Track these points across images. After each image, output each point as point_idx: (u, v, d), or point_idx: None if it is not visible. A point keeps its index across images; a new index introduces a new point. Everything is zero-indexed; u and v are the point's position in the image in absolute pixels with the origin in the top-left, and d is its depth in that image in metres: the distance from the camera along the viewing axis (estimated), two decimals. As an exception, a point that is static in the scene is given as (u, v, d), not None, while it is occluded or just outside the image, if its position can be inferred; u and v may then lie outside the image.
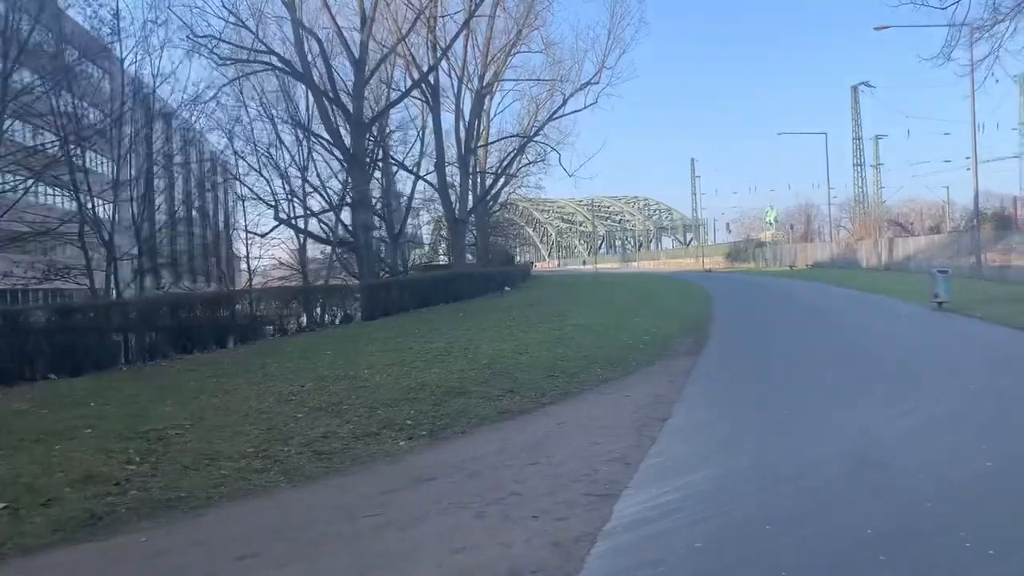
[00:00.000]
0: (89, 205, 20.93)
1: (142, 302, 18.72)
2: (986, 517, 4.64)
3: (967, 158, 40.39)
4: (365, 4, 30.06)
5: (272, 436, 7.73)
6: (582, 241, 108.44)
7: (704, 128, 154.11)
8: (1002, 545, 4.21)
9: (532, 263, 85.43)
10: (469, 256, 43.39)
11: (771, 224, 77.75)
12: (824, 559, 4.16)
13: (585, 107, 39.62)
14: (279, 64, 29.39)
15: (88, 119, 21.53)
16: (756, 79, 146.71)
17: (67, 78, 19.62)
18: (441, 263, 47.77)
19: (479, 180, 41.72)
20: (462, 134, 37.74)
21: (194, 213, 35.79)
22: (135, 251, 22.56)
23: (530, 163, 44.51)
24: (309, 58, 29.37)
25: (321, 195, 33.55)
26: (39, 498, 5.95)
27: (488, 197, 42.92)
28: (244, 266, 35.16)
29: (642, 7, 52.11)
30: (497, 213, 54.07)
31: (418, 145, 38.49)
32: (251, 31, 28.17)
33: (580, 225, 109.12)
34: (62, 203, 24.51)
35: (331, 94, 29.67)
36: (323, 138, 31.44)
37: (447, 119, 37.84)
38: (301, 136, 31.49)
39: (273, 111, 31.21)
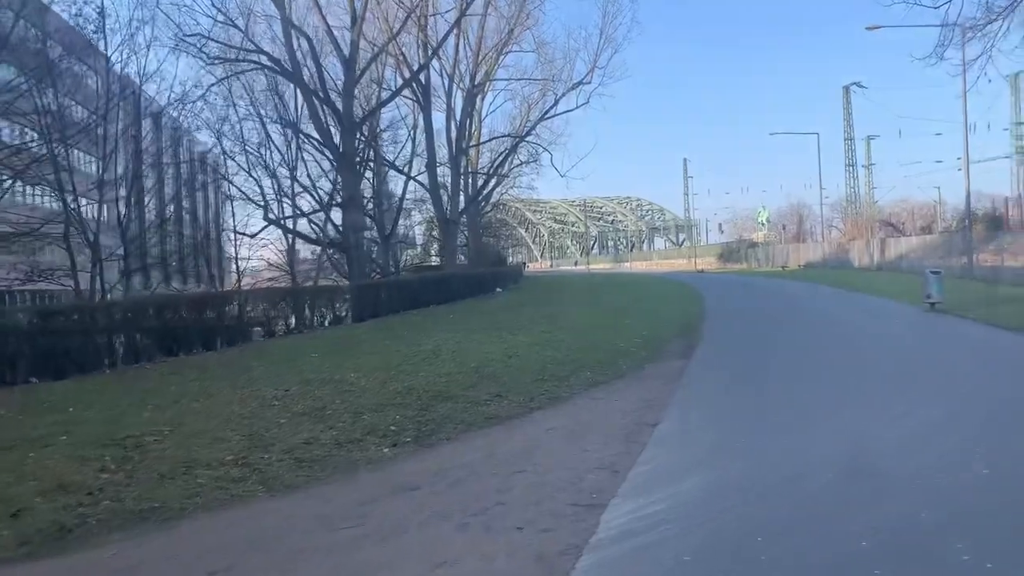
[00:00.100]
0: (74, 205, 20.65)
1: (126, 303, 18.46)
2: (983, 528, 4.50)
3: (959, 158, 40.48)
4: (356, 3, 29.88)
5: (253, 443, 7.54)
6: (574, 242, 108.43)
7: (696, 128, 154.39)
8: (1001, 558, 4.07)
9: (524, 264, 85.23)
10: (461, 257, 43.21)
11: (763, 224, 77.81)
12: (818, 573, 4.01)
13: (577, 107, 39.49)
14: (268, 63, 29.16)
15: (73, 117, 21.25)
16: (748, 79, 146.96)
17: (51, 75, 19.33)
18: (433, 264, 47.52)
19: (471, 180, 41.56)
20: (453, 134, 37.58)
21: (184, 214, 35.50)
22: (121, 251, 22.29)
23: (522, 163, 44.36)
24: (299, 57, 29.14)
25: (311, 195, 33.37)
26: (8, 508, 5.75)
27: (480, 197, 42.76)
28: (234, 267, 34.92)
29: (634, 7, 51.97)
30: (489, 214, 53.89)
31: (409, 145, 38.33)
32: (240, 30, 27.97)
33: (572, 226, 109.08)
34: (46, 203, 24.17)
35: (321, 93, 29.45)
36: (313, 138, 31.22)
37: (438, 119, 37.74)
38: (291, 136, 31.30)
39: (262, 110, 31.03)
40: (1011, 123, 60.07)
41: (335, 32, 30.16)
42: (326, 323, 22.08)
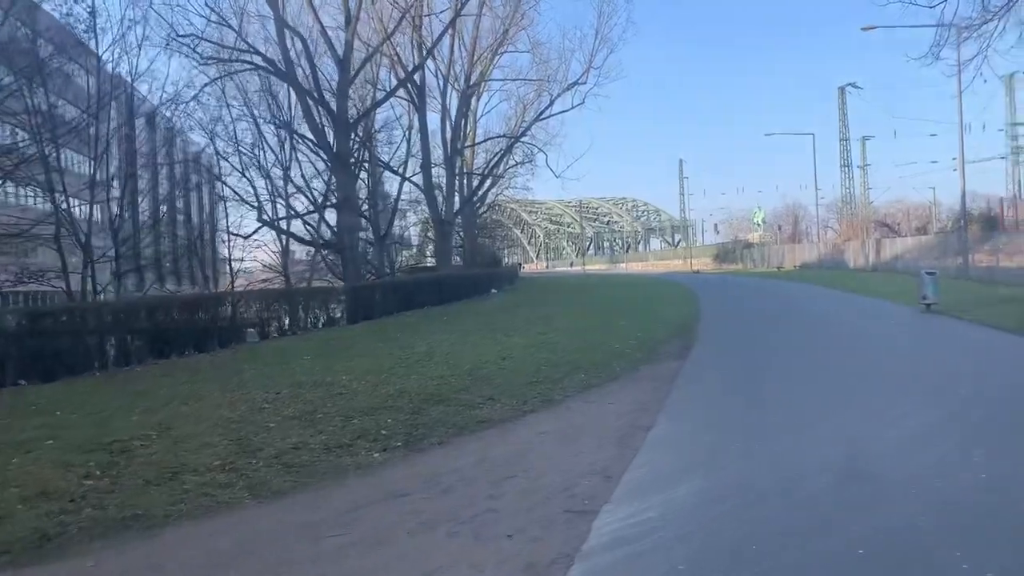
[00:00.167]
0: (65, 206, 20.49)
1: (117, 305, 18.33)
2: (983, 536, 4.40)
3: (954, 159, 40.52)
4: (350, 3, 29.75)
5: (241, 448, 7.41)
6: (570, 242, 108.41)
7: (692, 128, 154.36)
8: (1000, 568, 3.98)
9: (520, 265, 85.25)
10: (456, 258, 43.11)
11: (759, 225, 77.92)
12: (814, 583, 3.92)
13: (572, 107, 39.49)
14: (262, 64, 29.03)
15: (64, 117, 21.09)
16: (744, 80, 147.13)
17: (41, 74, 19.17)
18: (428, 265, 47.40)
19: (466, 181, 41.45)
20: (448, 134, 37.46)
21: (177, 215, 35.32)
22: (113, 253, 22.13)
23: (517, 164, 44.33)
24: (293, 57, 29.01)
25: (306, 195, 33.28)
26: (-11, 516, 5.62)
27: (475, 198, 42.65)
28: (228, 268, 34.74)
29: (630, 6, 51.89)
30: (484, 214, 53.80)
31: (404, 146, 38.22)
32: (234, 30, 27.85)
33: (568, 226, 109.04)
34: (37, 204, 24.00)
35: (315, 94, 29.32)
36: (307, 138, 31.12)
37: (433, 119, 37.60)
38: (285, 136, 31.17)
39: (256, 111, 30.89)
40: (1006, 123, 60.26)
41: (329, 32, 30.08)
42: (320, 324, 21.96)
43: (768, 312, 21.67)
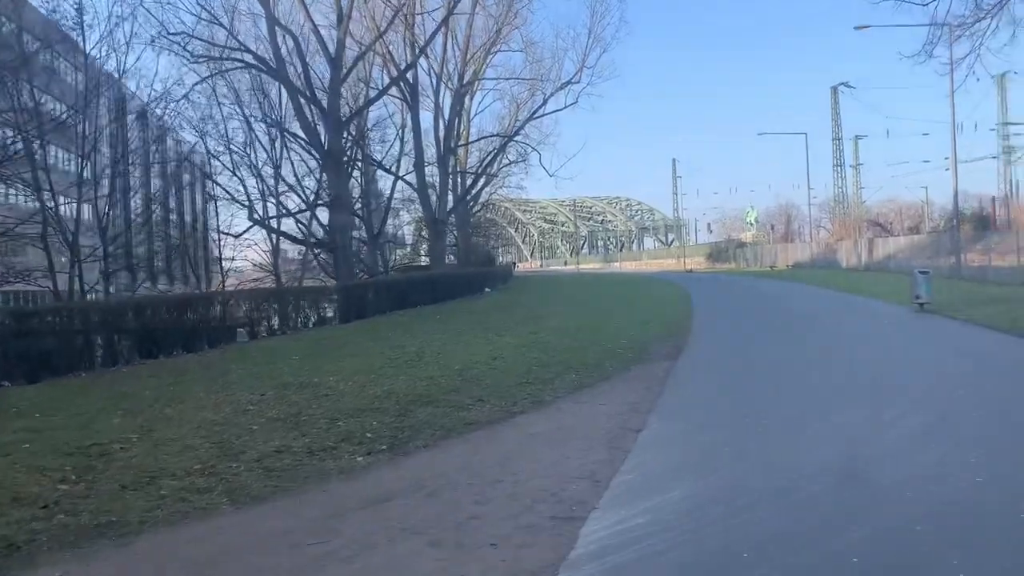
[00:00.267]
0: (52, 204, 20.22)
1: (104, 305, 18.09)
2: (980, 541, 4.29)
3: (946, 158, 40.58)
4: (342, 1, 29.52)
5: (223, 451, 7.23)
6: (564, 241, 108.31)
7: (685, 128, 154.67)
8: (996, 570, 3.88)
9: (514, 264, 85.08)
10: (450, 257, 42.95)
11: (752, 224, 77.91)
12: (807, 594, 3.79)
13: (566, 107, 39.44)
14: (254, 62, 28.78)
15: (51, 114, 20.82)
16: (737, 79, 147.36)
17: (27, 70, 18.90)
18: (422, 264, 47.22)
19: (459, 180, 41.30)
20: (442, 133, 37.32)
21: (168, 213, 35.02)
22: (101, 252, 21.86)
23: (511, 163, 44.19)
24: (284, 55, 28.79)
25: (297, 194, 33.03)
26: (-43, 523, 5.43)
27: (468, 197, 42.50)
28: (219, 268, 34.46)
29: (623, 6, 52.19)
30: (478, 213, 53.67)
31: (397, 144, 38.05)
32: (225, 28, 27.59)
33: (562, 225, 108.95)
34: (22, 201, 23.71)
35: (307, 92, 29.10)
36: (299, 137, 30.89)
37: (426, 118, 37.49)
38: (276, 134, 30.92)
39: (247, 109, 30.64)
40: (998, 123, 60.42)
41: (321, 30, 29.88)
42: (311, 324, 21.77)
43: (761, 311, 21.58)
